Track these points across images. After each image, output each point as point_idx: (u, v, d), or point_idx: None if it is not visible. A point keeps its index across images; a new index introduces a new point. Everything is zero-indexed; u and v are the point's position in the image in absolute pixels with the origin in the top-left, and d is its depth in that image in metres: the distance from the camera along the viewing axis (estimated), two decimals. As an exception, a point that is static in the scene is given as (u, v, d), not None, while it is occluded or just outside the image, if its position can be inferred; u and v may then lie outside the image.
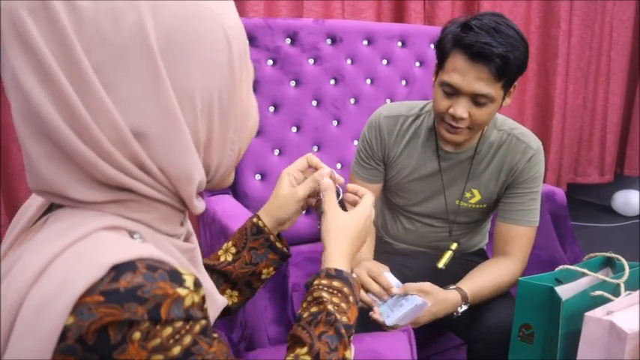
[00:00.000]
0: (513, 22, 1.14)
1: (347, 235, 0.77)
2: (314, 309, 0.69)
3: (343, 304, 0.70)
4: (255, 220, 0.85)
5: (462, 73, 1.10)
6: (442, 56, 1.16)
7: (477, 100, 1.12)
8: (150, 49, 0.46)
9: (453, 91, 1.13)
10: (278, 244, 0.85)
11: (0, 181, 1.75)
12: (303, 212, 0.90)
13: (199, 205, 0.57)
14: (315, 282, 0.72)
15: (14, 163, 1.77)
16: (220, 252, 0.85)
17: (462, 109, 1.12)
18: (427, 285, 1.13)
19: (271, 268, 0.85)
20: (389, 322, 1.07)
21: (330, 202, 0.80)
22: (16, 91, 0.45)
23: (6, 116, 1.72)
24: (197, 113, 0.50)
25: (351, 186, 0.85)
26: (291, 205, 0.84)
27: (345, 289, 0.72)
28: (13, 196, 1.79)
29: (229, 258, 0.84)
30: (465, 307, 1.17)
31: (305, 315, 0.69)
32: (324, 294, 0.70)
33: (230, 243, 0.86)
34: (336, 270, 0.73)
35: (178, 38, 0.47)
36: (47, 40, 0.43)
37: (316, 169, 0.86)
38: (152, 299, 0.43)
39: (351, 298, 0.72)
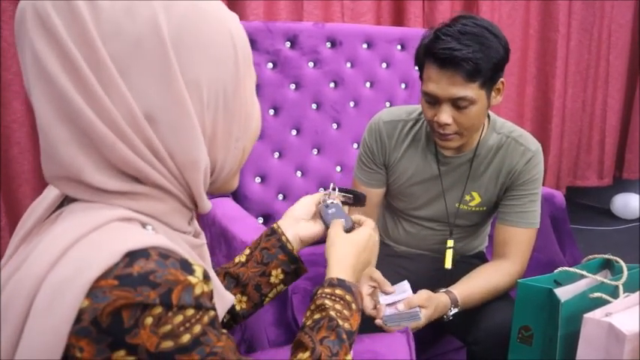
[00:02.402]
0: (487, 21, 1.15)
1: (349, 249, 0.81)
2: (317, 316, 0.72)
3: (346, 311, 0.73)
4: (272, 225, 0.89)
5: (436, 81, 1.12)
6: (420, 67, 1.19)
7: (457, 104, 1.13)
8: (162, 40, 0.49)
9: (433, 100, 1.15)
10: (289, 246, 0.87)
11: (0, 183, 1.75)
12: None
13: (208, 203, 0.59)
14: (319, 291, 0.75)
15: (15, 166, 1.77)
16: (237, 257, 0.89)
17: (444, 115, 1.14)
18: (425, 295, 1.13)
19: (279, 270, 0.87)
20: (383, 315, 1.09)
21: (336, 227, 0.85)
22: (40, 77, 0.48)
23: (6, 119, 1.73)
24: (204, 104, 0.53)
25: (355, 217, 0.90)
26: (307, 201, 0.90)
27: (348, 297, 0.74)
28: (13, 199, 1.79)
29: (243, 259, 0.87)
30: (455, 310, 1.16)
31: (308, 322, 0.71)
32: (327, 301, 0.73)
33: (247, 247, 0.89)
34: (338, 279, 0.76)
35: (188, 33, 0.51)
36: (69, 31, 0.47)
37: None
38: (164, 284, 0.45)
39: (353, 306, 0.74)
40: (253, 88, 0.61)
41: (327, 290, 0.74)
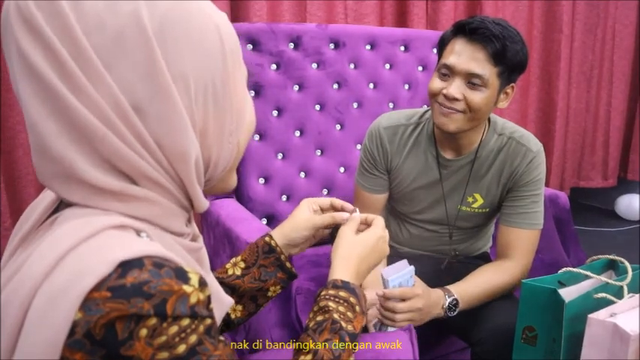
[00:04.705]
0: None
1: (354, 252, 0.80)
2: (320, 317, 0.71)
3: (349, 314, 0.73)
4: (267, 239, 0.88)
5: (459, 53, 1.13)
6: (442, 47, 1.19)
7: (471, 80, 1.13)
8: (145, 33, 0.49)
9: (448, 72, 1.15)
10: (288, 264, 0.87)
11: (5, 185, 1.76)
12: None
13: (204, 201, 0.58)
14: (323, 292, 0.75)
15: (19, 168, 1.78)
16: (229, 265, 0.88)
17: (455, 88, 1.13)
18: (418, 286, 1.13)
19: (278, 287, 0.88)
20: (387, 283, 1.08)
21: (347, 226, 0.84)
22: (27, 74, 0.48)
23: (11, 122, 1.74)
24: (191, 96, 0.53)
25: (363, 215, 0.88)
26: (304, 228, 0.87)
27: (352, 299, 0.74)
28: (18, 200, 1.80)
29: (238, 272, 0.86)
30: (449, 300, 1.15)
31: (311, 324, 0.71)
32: (331, 303, 0.72)
33: (239, 258, 0.88)
34: (342, 281, 0.76)
35: (172, 25, 0.51)
36: (52, 26, 0.47)
37: (337, 210, 0.89)
38: (158, 295, 0.44)
39: (357, 308, 0.74)
40: (244, 82, 0.61)
41: (331, 292, 0.74)
